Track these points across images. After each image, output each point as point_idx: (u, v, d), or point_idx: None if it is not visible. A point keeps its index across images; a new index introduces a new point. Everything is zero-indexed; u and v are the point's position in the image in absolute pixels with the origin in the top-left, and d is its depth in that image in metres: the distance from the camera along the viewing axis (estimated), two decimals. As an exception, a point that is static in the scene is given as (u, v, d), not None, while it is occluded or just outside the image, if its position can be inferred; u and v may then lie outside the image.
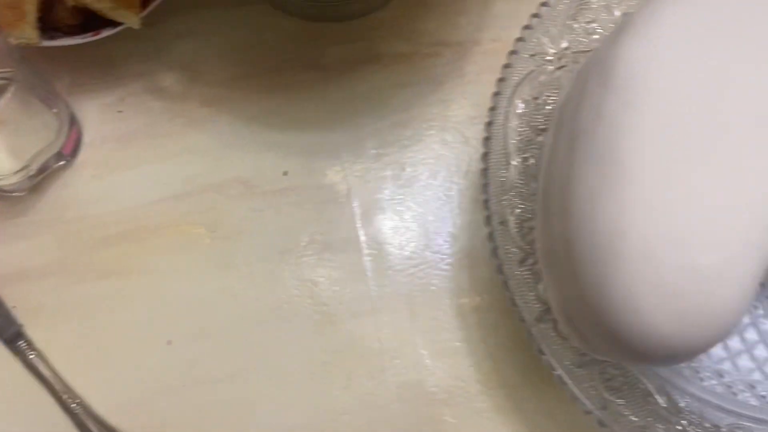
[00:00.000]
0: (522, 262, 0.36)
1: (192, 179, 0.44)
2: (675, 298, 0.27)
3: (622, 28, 0.31)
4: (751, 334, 0.37)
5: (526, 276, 0.35)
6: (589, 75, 0.31)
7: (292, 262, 0.43)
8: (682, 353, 0.28)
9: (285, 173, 0.44)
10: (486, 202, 0.36)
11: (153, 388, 0.41)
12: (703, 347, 0.28)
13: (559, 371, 0.34)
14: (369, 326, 0.42)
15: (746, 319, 0.37)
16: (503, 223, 0.36)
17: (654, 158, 0.28)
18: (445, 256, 0.43)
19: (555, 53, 0.38)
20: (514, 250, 0.36)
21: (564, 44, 0.38)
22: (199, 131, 0.45)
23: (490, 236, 0.36)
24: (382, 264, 0.43)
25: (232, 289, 0.43)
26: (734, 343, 0.36)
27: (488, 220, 0.36)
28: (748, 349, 0.37)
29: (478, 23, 0.47)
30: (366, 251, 0.43)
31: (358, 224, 0.43)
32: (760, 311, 0.37)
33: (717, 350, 0.36)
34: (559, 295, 0.32)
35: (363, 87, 0.46)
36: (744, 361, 0.36)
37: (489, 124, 0.37)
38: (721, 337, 0.28)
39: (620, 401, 0.34)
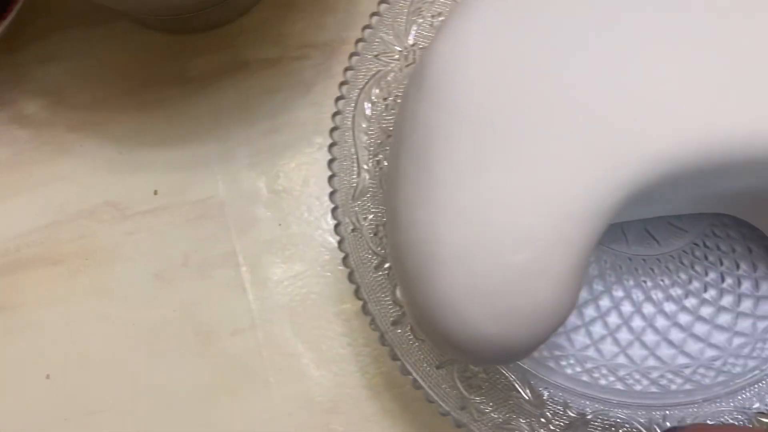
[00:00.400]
0: (378, 267, 0.35)
1: (62, 207, 0.43)
2: (492, 299, 0.26)
3: (439, 27, 0.30)
4: (613, 318, 0.36)
5: (381, 281, 0.35)
6: (410, 77, 0.31)
7: (169, 283, 0.42)
8: (510, 352, 0.28)
9: (155, 192, 0.43)
10: (334, 210, 0.35)
11: (33, 424, 0.40)
12: (532, 344, 0.27)
13: (414, 375, 0.34)
14: (251, 341, 0.41)
15: (608, 303, 0.36)
16: (356, 230, 0.35)
17: (464, 160, 0.27)
18: (324, 263, 0.42)
19: (401, 51, 0.37)
20: (368, 256, 0.35)
21: (410, 41, 0.37)
22: (67, 157, 0.44)
23: (340, 245, 0.35)
24: (260, 277, 0.42)
25: (110, 316, 0.42)
26: (597, 328, 0.36)
27: (336, 228, 0.35)
28: (612, 333, 0.36)
29: (345, 21, 0.46)
30: (243, 265, 0.42)
31: (234, 238, 0.43)
32: (621, 293, 0.37)
33: (580, 337, 0.36)
34: (403, 299, 0.31)
35: (231, 96, 0.45)
36: (608, 346, 0.36)
37: (333, 129, 0.36)
38: (547, 333, 0.27)
39: (480, 399, 0.33)
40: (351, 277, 0.35)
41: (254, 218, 0.43)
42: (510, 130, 0.27)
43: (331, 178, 0.36)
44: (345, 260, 0.35)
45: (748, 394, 0.35)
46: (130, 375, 0.41)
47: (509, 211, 0.26)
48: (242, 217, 0.43)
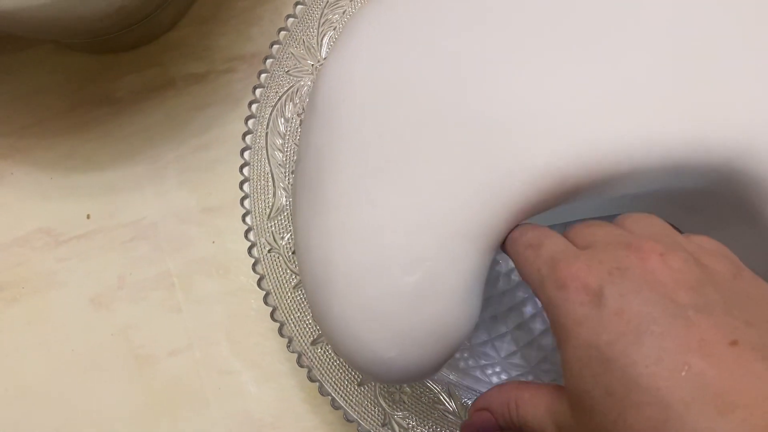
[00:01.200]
0: (297, 286, 0.35)
1: (-5, 236, 0.43)
2: (387, 322, 0.26)
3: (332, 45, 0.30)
4: (537, 325, 0.36)
5: (301, 300, 0.35)
6: (309, 98, 0.30)
7: (105, 307, 0.42)
8: (414, 372, 0.27)
9: (88, 216, 0.43)
10: (246, 232, 0.35)
11: (-25, 457, 0.40)
12: (435, 363, 0.27)
13: (332, 394, 0.33)
14: (188, 361, 0.41)
15: (531, 309, 0.36)
16: (272, 250, 0.35)
17: (352, 183, 0.27)
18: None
19: (313, 65, 0.36)
20: (286, 276, 0.35)
21: (323, 53, 0.37)
22: (-2, 186, 0.44)
23: (254, 267, 0.35)
24: (195, 295, 0.42)
25: (47, 343, 0.42)
26: (522, 334, 0.35)
27: (250, 250, 0.35)
28: (536, 338, 0.36)
29: (270, 32, 0.45)
30: (178, 285, 0.42)
31: (168, 258, 0.42)
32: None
33: (505, 345, 0.36)
34: (316, 321, 0.31)
35: (159, 114, 0.44)
36: (533, 351, 0.35)
37: (244, 150, 0.36)
38: (447, 351, 0.27)
39: (402, 414, 0.33)
40: (267, 299, 0.34)
41: (187, 237, 0.43)
42: (396, 152, 0.27)
43: (243, 199, 0.35)
44: (260, 282, 0.35)
45: None
46: (70, 402, 0.41)
47: (398, 233, 0.26)
48: (175, 237, 0.43)
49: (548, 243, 0.24)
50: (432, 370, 0.28)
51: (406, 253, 0.26)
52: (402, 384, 0.33)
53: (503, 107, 0.26)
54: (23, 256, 0.43)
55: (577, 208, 0.32)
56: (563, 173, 0.25)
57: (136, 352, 0.41)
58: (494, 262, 0.36)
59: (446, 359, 0.27)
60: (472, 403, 0.27)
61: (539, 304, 0.36)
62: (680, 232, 0.25)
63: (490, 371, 0.35)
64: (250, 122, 0.36)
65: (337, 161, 0.27)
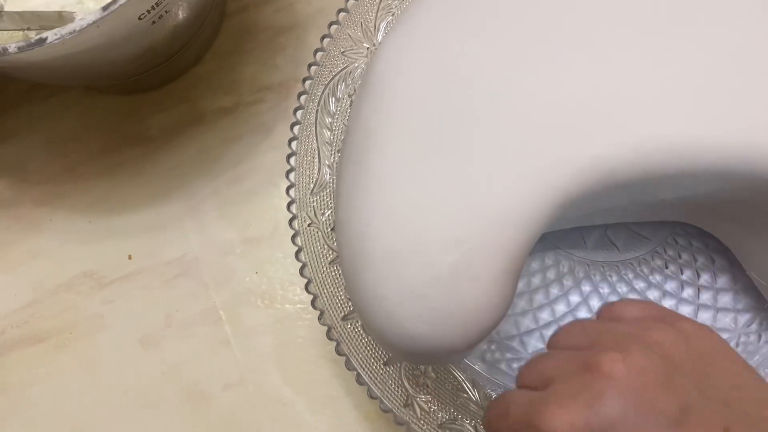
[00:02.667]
0: (333, 261, 0.35)
1: (40, 284, 0.43)
2: (421, 299, 0.26)
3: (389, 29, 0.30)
4: (567, 317, 0.36)
5: (336, 276, 0.35)
6: (362, 77, 0.31)
7: (154, 346, 0.42)
8: (442, 353, 0.28)
9: (130, 257, 0.43)
10: (289, 204, 0.35)
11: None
12: (463, 346, 0.27)
13: (358, 370, 0.34)
14: (242, 395, 0.41)
15: (564, 308, 0.36)
16: (312, 224, 0.35)
17: (398, 161, 0.28)
18: (304, 305, 0.42)
19: (369, 48, 0.37)
20: (323, 251, 0.35)
21: (379, 38, 0.37)
22: (38, 233, 0.44)
23: (293, 239, 0.35)
24: (242, 328, 0.42)
25: (99, 386, 0.42)
26: (551, 332, 0.35)
27: (291, 222, 0.35)
28: None
29: (295, 59, 0.46)
30: (225, 319, 0.42)
31: (212, 292, 0.42)
32: (577, 298, 0.36)
33: (533, 341, 0.36)
34: (347, 294, 0.31)
35: (192, 150, 0.45)
36: None
37: (294, 124, 0.36)
38: (476, 335, 0.27)
39: (425, 397, 0.33)
40: (302, 271, 0.35)
41: (230, 270, 0.43)
42: (444, 134, 0.27)
43: (289, 172, 0.36)
44: (297, 254, 0.35)
45: None
46: (127, 443, 0.41)
47: (439, 213, 0.26)
48: (218, 271, 0.43)
49: (512, 405, 0.23)
50: (460, 351, 0.28)
51: (447, 234, 0.26)
52: (428, 364, 0.33)
53: (558, 104, 0.27)
54: (69, 302, 0.43)
55: (619, 209, 0.32)
56: (611, 168, 0.26)
57: (189, 389, 0.41)
58: (530, 258, 0.36)
59: (475, 342, 0.27)
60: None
61: (572, 302, 0.36)
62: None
63: (516, 365, 0.35)
64: (302, 98, 0.36)
65: (386, 140, 0.28)
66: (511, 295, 0.26)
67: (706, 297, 0.35)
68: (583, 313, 0.36)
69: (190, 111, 0.45)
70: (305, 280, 0.35)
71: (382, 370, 0.34)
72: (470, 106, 0.27)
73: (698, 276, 0.36)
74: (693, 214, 0.34)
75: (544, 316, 0.36)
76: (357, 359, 0.33)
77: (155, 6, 0.33)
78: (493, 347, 0.35)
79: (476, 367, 0.34)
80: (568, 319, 0.36)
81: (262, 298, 0.42)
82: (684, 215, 0.34)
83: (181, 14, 0.38)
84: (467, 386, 0.34)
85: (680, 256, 0.36)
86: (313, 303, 0.35)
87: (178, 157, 0.44)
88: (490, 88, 0.27)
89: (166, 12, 0.35)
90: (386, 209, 0.27)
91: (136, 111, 0.45)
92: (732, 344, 0.35)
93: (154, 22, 0.34)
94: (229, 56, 0.46)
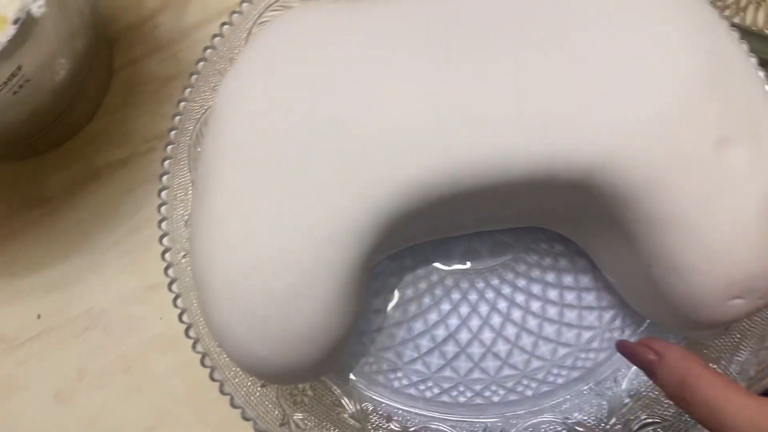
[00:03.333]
0: None
1: (-47, 352, 0.44)
2: (260, 323, 0.28)
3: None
4: (440, 332, 0.37)
5: None
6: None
7: (69, 401, 0.43)
8: (290, 372, 0.29)
9: (39, 316, 0.44)
10: (161, 237, 0.37)
11: None
12: (310, 363, 0.29)
13: (231, 393, 0.35)
14: (157, 437, 0.42)
15: (435, 317, 0.37)
16: (187, 255, 0.36)
17: (232, 189, 0.29)
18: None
19: None
20: None
21: None
22: (-53, 301, 0.45)
23: (166, 270, 0.37)
24: (152, 374, 0.43)
25: (18, 446, 0.43)
26: (425, 342, 0.37)
27: (163, 255, 0.36)
28: (438, 346, 0.37)
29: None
30: (134, 366, 0.43)
31: (120, 342, 0.44)
32: (447, 307, 0.37)
33: (408, 351, 0.37)
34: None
35: (91, 205, 0.46)
36: (434, 359, 0.37)
37: (165, 159, 0.37)
38: (320, 353, 0.29)
39: (302, 415, 0.35)
40: (176, 301, 0.36)
41: (136, 318, 0.44)
42: (274, 162, 0.29)
43: (160, 206, 0.37)
44: (170, 285, 0.36)
45: (569, 404, 0.35)
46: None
47: (272, 238, 0.28)
48: (125, 320, 0.44)
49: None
50: (309, 369, 0.29)
51: (280, 258, 0.28)
52: (282, 384, 0.35)
53: (372, 123, 0.28)
54: (-17, 367, 0.44)
55: (463, 219, 0.34)
56: (427, 184, 0.27)
57: (106, 439, 0.42)
58: (402, 271, 0.38)
59: (322, 360, 0.29)
60: (649, 338, 0.28)
61: (443, 311, 0.37)
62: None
63: (392, 376, 0.37)
64: (172, 133, 0.37)
65: (222, 170, 0.29)
66: (353, 312, 0.28)
67: (570, 297, 0.37)
68: (453, 320, 0.37)
69: (86, 167, 0.46)
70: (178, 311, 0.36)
71: (260, 391, 0.35)
72: (298, 134, 0.29)
73: (561, 279, 0.37)
74: (545, 221, 0.35)
75: (418, 326, 0.37)
76: (233, 383, 0.35)
77: (10, 78, 0.34)
78: (370, 360, 0.36)
79: (354, 380, 0.35)
80: (441, 328, 0.37)
81: (168, 342, 0.43)
82: (538, 221, 0.35)
83: (55, 78, 0.39)
84: (344, 401, 0.35)
85: (543, 261, 0.37)
86: (186, 332, 0.36)
87: (79, 214, 0.46)
88: (316, 116, 0.29)
89: (26, 81, 0.36)
90: (222, 239, 0.28)
91: (34, 174, 0.46)
92: (596, 342, 0.36)
93: (15, 92, 0.36)
94: (121, 110, 0.47)
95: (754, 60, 0.33)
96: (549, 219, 0.35)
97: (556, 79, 0.28)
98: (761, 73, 0.32)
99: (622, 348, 0.29)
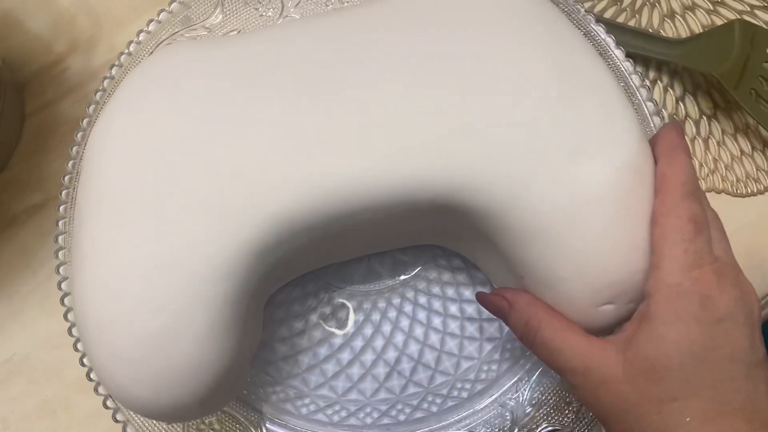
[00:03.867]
0: None
1: None
2: (136, 365, 0.28)
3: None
4: (345, 355, 0.38)
5: None
6: None
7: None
8: (177, 411, 0.29)
9: (-41, 368, 0.44)
10: (62, 298, 0.37)
11: None
12: (195, 401, 0.29)
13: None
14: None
15: (340, 340, 0.38)
16: None
17: (99, 233, 0.29)
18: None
19: None
20: None
21: None
22: None
23: (65, 315, 0.37)
24: (77, 416, 0.43)
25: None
26: (330, 366, 0.38)
27: (63, 299, 0.37)
28: (344, 369, 0.38)
29: (96, 146, 0.47)
30: (59, 410, 0.43)
31: (44, 387, 0.44)
32: (352, 329, 0.38)
33: (314, 377, 0.38)
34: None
35: (9, 252, 0.46)
36: (340, 382, 0.37)
37: (58, 220, 0.38)
38: (205, 388, 0.29)
39: None
40: (76, 345, 0.37)
41: (59, 361, 0.44)
42: (138, 203, 0.29)
43: (59, 266, 0.37)
44: (71, 330, 0.37)
45: (473, 418, 0.36)
46: None
47: (142, 278, 0.28)
48: (48, 364, 0.44)
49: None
50: (196, 407, 0.29)
51: (151, 298, 0.28)
52: (168, 422, 0.35)
53: (230, 162, 0.29)
54: None
55: (352, 243, 0.34)
56: (289, 215, 0.28)
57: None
58: (305, 296, 0.38)
59: (209, 396, 0.29)
60: (501, 288, 0.31)
61: (347, 334, 0.38)
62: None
63: (299, 403, 0.37)
64: (64, 193, 0.39)
65: (90, 214, 0.29)
66: (233, 346, 0.28)
67: (470, 310, 0.37)
68: (358, 342, 0.37)
69: (1, 215, 0.46)
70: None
71: (167, 428, 0.35)
72: (162, 175, 0.29)
73: (461, 293, 0.38)
74: (431, 238, 0.36)
75: (323, 351, 0.38)
76: (136, 423, 0.35)
77: None
78: (277, 389, 0.37)
79: (263, 410, 0.36)
80: (347, 351, 0.37)
81: (92, 383, 0.43)
82: (427, 239, 0.36)
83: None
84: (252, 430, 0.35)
85: (442, 277, 0.38)
86: (88, 375, 0.36)
87: (-3, 262, 0.45)
88: (177, 157, 0.29)
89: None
90: (93, 284, 0.28)
91: (-50, 226, 0.46)
92: (497, 353, 0.37)
93: None
94: (34, 155, 0.47)
95: (620, 53, 0.35)
96: (434, 236, 0.36)
97: (409, 104, 0.29)
98: (637, 75, 0.33)
99: (481, 299, 0.32)
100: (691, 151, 0.34)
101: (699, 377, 0.25)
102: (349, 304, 0.38)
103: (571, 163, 0.28)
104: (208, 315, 0.28)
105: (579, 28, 0.37)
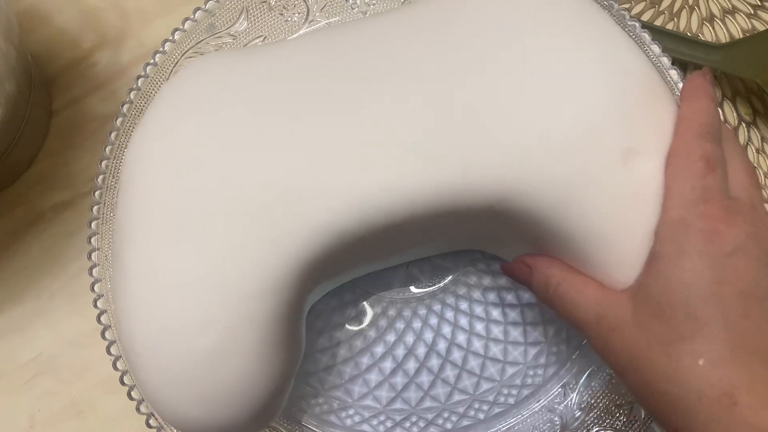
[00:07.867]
0: None
1: None
2: (186, 383, 0.28)
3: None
4: (388, 364, 0.37)
5: None
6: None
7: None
8: (224, 429, 0.28)
9: (-13, 366, 0.43)
10: (92, 285, 0.37)
11: None
12: (246, 419, 0.29)
13: None
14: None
15: (381, 349, 0.37)
16: None
17: (144, 252, 0.29)
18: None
19: None
20: None
21: None
22: None
23: (99, 318, 0.36)
24: (105, 416, 0.43)
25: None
26: (373, 375, 0.37)
27: (96, 302, 0.36)
28: (387, 378, 0.37)
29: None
30: (87, 410, 0.43)
31: (72, 386, 0.43)
32: (393, 337, 0.37)
33: (357, 387, 0.37)
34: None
35: (36, 249, 0.45)
36: (383, 392, 0.37)
37: (92, 221, 0.37)
38: (255, 406, 0.28)
39: None
40: (110, 349, 0.35)
41: (87, 361, 0.44)
42: (185, 222, 0.28)
43: (92, 268, 0.36)
44: (104, 333, 0.36)
45: (522, 424, 0.36)
46: None
47: (190, 298, 0.28)
48: (75, 364, 0.43)
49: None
50: (248, 425, 0.29)
51: (199, 316, 0.27)
52: None
53: (281, 174, 0.28)
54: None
55: (393, 250, 0.34)
56: (338, 228, 0.27)
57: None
58: (344, 305, 0.37)
59: (259, 414, 0.28)
60: (522, 255, 0.31)
61: (388, 342, 0.37)
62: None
63: (344, 414, 0.36)
64: (99, 178, 0.38)
65: (133, 235, 0.29)
66: (283, 361, 0.28)
67: (513, 315, 0.37)
68: (400, 350, 0.37)
69: (28, 212, 0.46)
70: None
71: None
72: (205, 191, 0.29)
73: (503, 298, 0.37)
74: (475, 243, 0.36)
75: (365, 360, 0.37)
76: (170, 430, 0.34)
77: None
78: (320, 401, 0.36)
79: (306, 423, 0.35)
80: (389, 359, 0.37)
81: (120, 384, 0.43)
82: (469, 244, 0.36)
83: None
84: (295, 444, 0.35)
85: (482, 281, 0.38)
86: (121, 379, 0.35)
87: (24, 259, 0.45)
88: (224, 171, 0.29)
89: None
90: (140, 303, 0.28)
91: (-24, 222, 0.46)
92: (543, 357, 0.36)
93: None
94: (62, 152, 0.47)
95: (666, 60, 0.34)
96: (477, 241, 0.35)
97: (457, 110, 0.29)
98: (674, 72, 0.34)
99: (505, 269, 0.33)
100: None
101: (707, 314, 0.24)
102: (388, 313, 0.37)
103: (625, 166, 0.27)
104: (258, 332, 0.27)
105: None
